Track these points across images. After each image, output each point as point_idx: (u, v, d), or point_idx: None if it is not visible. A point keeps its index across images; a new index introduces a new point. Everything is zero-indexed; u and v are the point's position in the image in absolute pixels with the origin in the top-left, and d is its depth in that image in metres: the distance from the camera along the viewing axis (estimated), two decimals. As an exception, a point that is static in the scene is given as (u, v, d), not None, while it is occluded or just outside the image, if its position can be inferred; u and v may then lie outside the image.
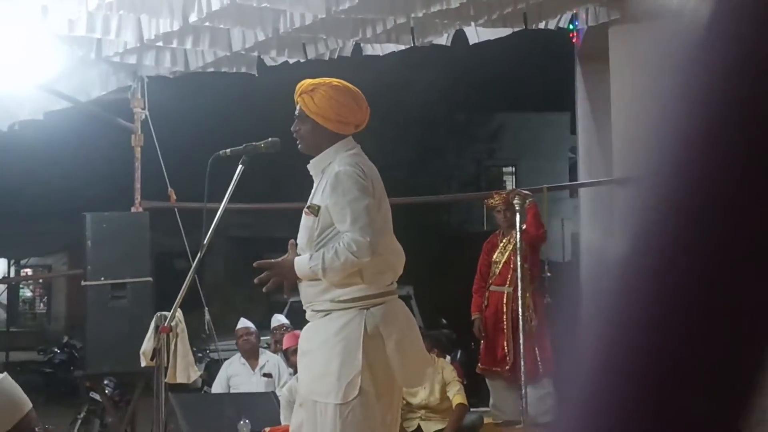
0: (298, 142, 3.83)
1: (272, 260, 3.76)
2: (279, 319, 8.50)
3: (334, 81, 3.79)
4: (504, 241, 7.72)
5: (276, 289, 3.75)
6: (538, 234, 7.59)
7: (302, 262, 3.62)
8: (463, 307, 8.43)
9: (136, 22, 6.89)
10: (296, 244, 3.76)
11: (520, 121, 29.35)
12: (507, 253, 7.64)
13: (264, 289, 3.75)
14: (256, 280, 3.75)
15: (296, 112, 3.82)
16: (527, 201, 7.40)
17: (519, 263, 7.15)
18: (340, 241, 3.54)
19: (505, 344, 7.55)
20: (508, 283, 7.62)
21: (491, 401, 7.80)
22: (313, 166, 3.80)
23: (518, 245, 7.14)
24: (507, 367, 7.53)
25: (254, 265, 3.78)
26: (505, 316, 7.59)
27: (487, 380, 7.83)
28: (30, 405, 2.32)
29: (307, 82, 3.80)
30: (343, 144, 3.75)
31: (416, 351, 3.77)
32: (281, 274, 3.70)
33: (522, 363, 7.08)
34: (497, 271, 7.72)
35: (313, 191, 3.78)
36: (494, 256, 7.78)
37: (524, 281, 7.26)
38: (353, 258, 3.50)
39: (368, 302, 3.62)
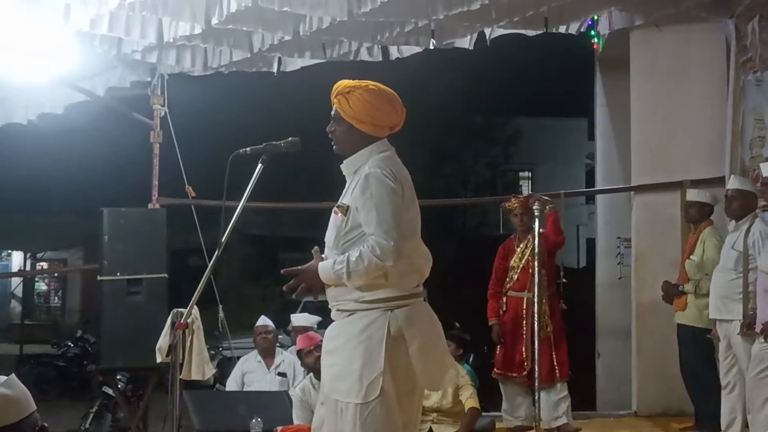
0: (333, 142, 3.84)
1: (298, 267, 3.80)
2: (298, 320, 8.43)
3: (370, 84, 3.78)
4: (521, 245, 7.67)
5: (305, 294, 3.79)
6: (557, 240, 7.58)
7: (326, 267, 3.65)
8: (476, 310, 8.41)
9: (157, 23, 6.91)
10: (320, 250, 3.79)
11: (538, 126, 29.32)
12: (525, 258, 7.59)
13: (293, 296, 3.79)
14: (285, 288, 3.78)
15: (332, 113, 3.82)
16: (547, 207, 7.41)
17: (537, 269, 7.16)
18: (365, 244, 3.55)
19: (524, 350, 7.51)
20: (527, 288, 7.56)
21: (504, 406, 7.77)
22: (345, 167, 3.80)
23: (536, 250, 7.15)
24: (524, 373, 7.50)
25: (282, 272, 3.83)
26: (525, 322, 7.55)
27: (501, 385, 7.80)
28: (35, 407, 2.38)
29: (343, 84, 3.80)
30: (376, 146, 3.75)
31: (439, 353, 3.76)
32: (308, 280, 3.73)
33: (536, 368, 7.10)
34: (515, 276, 7.67)
35: (344, 191, 3.79)
36: (511, 261, 7.73)
37: (541, 287, 7.25)
38: (377, 261, 3.52)
39: (392, 303, 3.63)
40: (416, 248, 3.74)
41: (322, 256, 3.76)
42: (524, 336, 7.52)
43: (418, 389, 3.76)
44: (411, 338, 3.61)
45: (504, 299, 7.70)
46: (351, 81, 3.81)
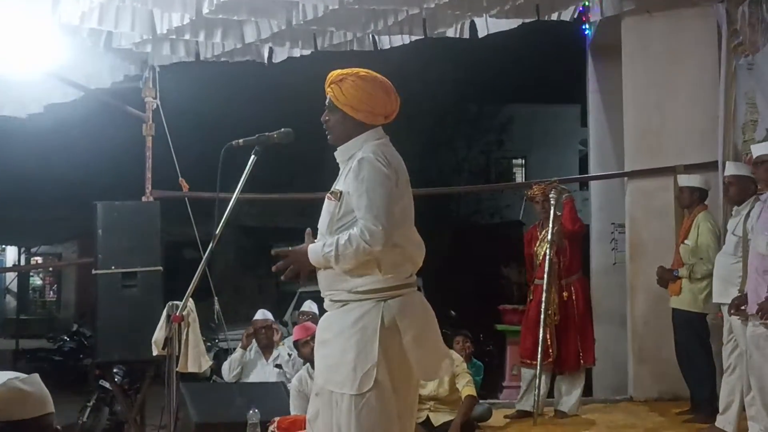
0: (327, 132, 3.82)
1: (288, 248, 3.77)
2: (309, 306, 8.39)
3: (362, 71, 3.76)
4: (543, 233, 7.71)
5: (293, 277, 3.74)
6: (573, 229, 7.64)
7: (316, 249, 3.64)
8: (471, 298, 8.44)
9: (148, 14, 6.89)
10: (313, 233, 3.77)
11: (531, 113, 29.27)
12: (546, 246, 7.63)
13: (282, 278, 3.75)
14: (273, 268, 3.74)
15: (326, 103, 3.81)
16: (564, 195, 7.50)
17: (549, 256, 7.32)
18: (354, 228, 3.55)
19: (549, 337, 7.55)
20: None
21: (522, 391, 7.76)
22: (339, 154, 3.79)
23: (550, 238, 7.34)
24: (549, 360, 7.54)
25: (272, 253, 3.79)
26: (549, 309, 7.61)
27: (522, 371, 7.84)
28: (53, 409, 2.38)
29: (336, 73, 3.78)
30: (371, 134, 3.74)
31: (433, 343, 3.74)
32: (297, 261, 3.70)
33: (539, 353, 7.23)
34: (538, 263, 7.72)
35: (338, 178, 3.78)
36: (535, 248, 7.79)
37: (551, 275, 7.35)
38: (365, 246, 3.50)
39: (386, 294, 3.61)
40: (409, 237, 3.72)
41: (314, 241, 3.74)
42: (550, 324, 7.55)
43: (413, 379, 3.75)
44: (405, 329, 3.60)
45: (531, 287, 7.77)
46: (343, 69, 3.79)
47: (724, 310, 6.56)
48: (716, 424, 6.59)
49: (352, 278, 3.62)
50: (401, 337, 3.60)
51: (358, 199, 3.57)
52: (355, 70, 3.78)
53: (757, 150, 6.25)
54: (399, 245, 3.62)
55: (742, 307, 6.00)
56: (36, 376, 2.38)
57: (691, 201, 7.39)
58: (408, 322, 3.61)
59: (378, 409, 3.54)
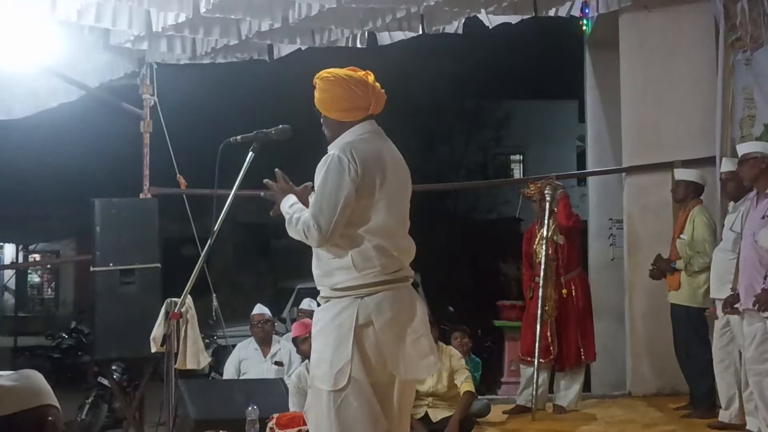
0: None
1: (289, 183, 3.89)
2: (308, 304, 8.38)
3: (324, 73, 3.83)
4: (542, 230, 7.71)
5: (269, 201, 3.89)
6: (568, 224, 7.64)
7: (287, 202, 3.79)
8: (469, 294, 8.44)
9: (145, 13, 6.88)
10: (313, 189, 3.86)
11: (528, 108, 29.25)
12: (545, 243, 7.63)
13: (261, 194, 3.92)
14: (265, 181, 3.90)
15: None
16: (558, 192, 7.51)
17: (544, 253, 7.35)
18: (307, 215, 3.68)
19: (549, 334, 7.55)
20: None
21: (522, 387, 7.77)
22: (329, 150, 3.84)
23: (545, 235, 7.38)
24: (551, 357, 7.54)
25: (276, 170, 3.93)
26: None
27: (521, 367, 7.84)
28: (52, 402, 2.34)
29: (315, 78, 3.87)
30: (356, 129, 3.79)
31: (415, 341, 3.69)
32: (276, 195, 3.86)
33: (537, 351, 7.29)
34: (538, 261, 7.71)
35: None
36: (534, 246, 7.79)
37: (548, 271, 7.35)
38: (303, 235, 3.66)
39: (363, 291, 3.64)
40: (391, 233, 3.72)
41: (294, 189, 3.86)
42: (547, 321, 7.55)
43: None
44: (381, 326, 3.61)
45: (532, 285, 7.77)
46: (320, 73, 3.85)
47: (719, 305, 6.57)
48: (719, 418, 6.61)
49: (334, 276, 3.68)
50: (376, 334, 3.61)
51: (315, 193, 3.70)
52: (322, 73, 3.84)
53: (742, 149, 6.27)
54: (375, 241, 3.65)
55: (736, 305, 6.00)
56: (26, 371, 2.36)
57: (686, 195, 7.40)
58: (385, 320, 3.62)
59: (357, 406, 3.58)
